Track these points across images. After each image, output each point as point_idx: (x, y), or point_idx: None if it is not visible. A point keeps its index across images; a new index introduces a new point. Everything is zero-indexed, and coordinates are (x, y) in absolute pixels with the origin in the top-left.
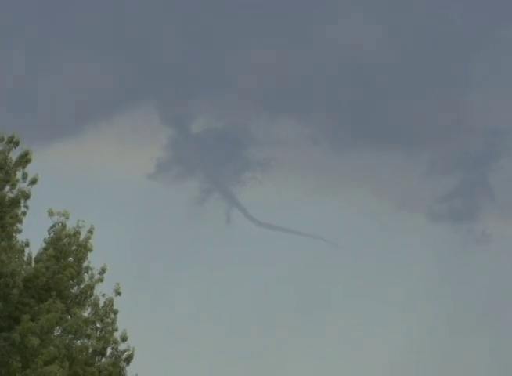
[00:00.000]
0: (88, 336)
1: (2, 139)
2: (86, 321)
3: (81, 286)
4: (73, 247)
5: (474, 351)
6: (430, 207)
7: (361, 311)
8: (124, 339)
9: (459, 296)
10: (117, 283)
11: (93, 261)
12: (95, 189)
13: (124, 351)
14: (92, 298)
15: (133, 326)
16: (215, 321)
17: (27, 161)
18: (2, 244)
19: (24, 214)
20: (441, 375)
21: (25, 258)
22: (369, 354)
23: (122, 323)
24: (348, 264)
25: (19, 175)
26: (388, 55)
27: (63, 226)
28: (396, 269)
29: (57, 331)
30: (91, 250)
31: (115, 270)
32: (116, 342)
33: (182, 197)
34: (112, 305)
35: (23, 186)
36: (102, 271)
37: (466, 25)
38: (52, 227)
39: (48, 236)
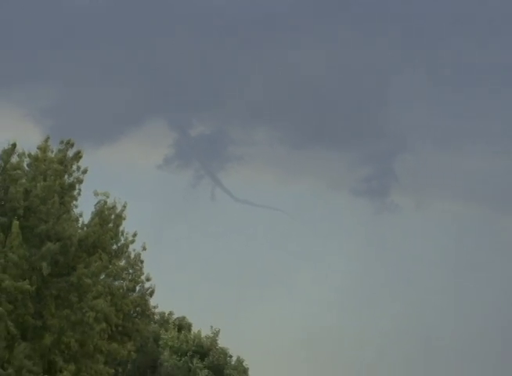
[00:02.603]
0: (123, 278)
1: (62, 142)
2: (122, 268)
3: (118, 244)
4: (112, 217)
5: (386, 296)
6: (355, 187)
7: (309, 260)
8: (148, 280)
9: (375, 249)
10: (144, 242)
11: (126, 226)
12: (124, 176)
13: (148, 288)
14: (126, 252)
15: (154, 271)
16: (209, 267)
17: (80, 157)
18: (64, 216)
19: (78, 194)
20: (361, 306)
21: (79, 225)
22: (314, 292)
23: (146, 269)
24: (299, 228)
25: (74, 167)
26: (333, 81)
27: (105, 202)
28: (332, 229)
29: (102, 275)
30: (125, 218)
31: (141, 233)
32: (142, 282)
33: (181, 182)
34: (140, 257)
35: (77, 174)
36: (134, 234)
37: (385, 58)
38: (97, 203)
39: (94, 209)
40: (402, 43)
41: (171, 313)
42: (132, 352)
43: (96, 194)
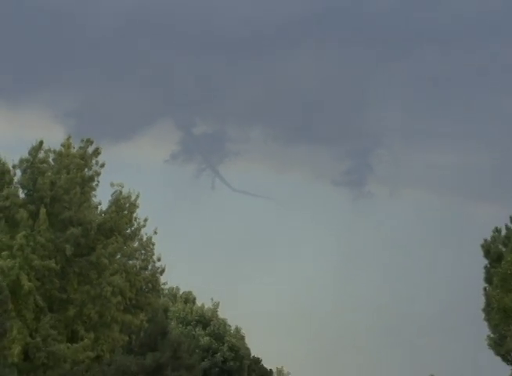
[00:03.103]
0: (137, 258)
1: (83, 140)
2: (135, 249)
3: (132, 228)
4: (127, 205)
5: (363, 270)
6: (336, 178)
7: (296, 240)
8: (158, 260)
9: (353, 231)
10: (155, 227)
11: (139, 213)
12: (137, 169)
13: (159, 267)
14: (139, 235)
15: (164, 252)
16: (210, 247)
17: (98, 153)
18: (84, 204)
19: (97, 185)
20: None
21: (98, 212)
22: (301, 268)
23: (157, 250)
24: (286, 213)
25: (93, 162)
26: (319, 88)
27: (120, 192)
28: (316, 214)
29: (118, 255)
30: (137, 206)
31: (152, 219)
32: (154, 262)
33: (185, 174)
34: (151, 239)
35: (95, 168)
36: (145, 219)
37: (364, 69)
38: (113, 193)
39: (111, 198)
40: (379, 57)
41: (178, 288)
42: (144, 322)
43: (112, 185)
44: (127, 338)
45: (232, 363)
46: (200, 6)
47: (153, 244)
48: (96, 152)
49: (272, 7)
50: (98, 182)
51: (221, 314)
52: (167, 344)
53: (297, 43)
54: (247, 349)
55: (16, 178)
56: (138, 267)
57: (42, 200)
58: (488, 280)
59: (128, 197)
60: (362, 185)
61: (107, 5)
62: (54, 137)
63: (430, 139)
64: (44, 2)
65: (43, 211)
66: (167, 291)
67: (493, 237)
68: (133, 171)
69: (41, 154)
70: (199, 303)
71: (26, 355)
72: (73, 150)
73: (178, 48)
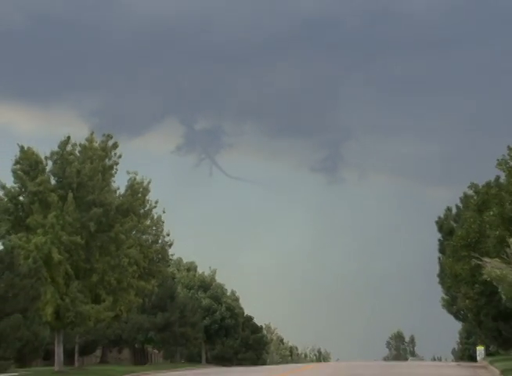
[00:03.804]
0: (149, 233)
1: (104, 135)
2: (147, 226)
3: (145, 209)
4: (140, 189)
5: (335, 240)
6: (314, 165)
7: (280, 217)
8: (167, 235)
9: (327, 209)
10: (164, 208)
11: (151, 196)
12: (148, 159)
13: (168, 241)
14: (150, 214)
15: (171, 228)
16: (209, 224)
17: (116, 146)
18: (105, 188)
19: (115, 173)
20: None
21: (116, 195)
22: (285, 240)
23: (166, 227)
24: (272, 195)
25: (112, 153)
26: (300, 90)
27: (135, 179)
28: (297, 195)
29: (133, 232)
30: (149, 190)
31: (161, 200)
32: (163, 236)
33: (187, 162)
34: (161, 218)
35: (114, 159)
36: (156, 201)
37: (338, 74)
38: (129, 179)
39: (127, 183)
40: (350, 64)
41: (182, 259)
42: (155, 287)
43: (128, 173)
44: (141, 301)
45: (228, 321)
46: (202, 22)
47: (163, 222)
48: (115, 145)
49: (260, 24)
50: (116, 170)
51: (218, 279)
52: (175, 305)
53: (281, 53)
54: (241, 309)
55: (47, 168)
56: (150, 241)
57: (70, 185)
58: (442, 250)
59: (141, 182)
60: (334, 171)
61: (125, 19)
62: (79, 133)
63: (393, 133)
64: (69, 17)
65: (70, 195)
66: (173, 261)
67: (445, 215)
68: (145, 160)
69: (69, 147)
70: (200, 271)
71: (57, 314)
72: (96, 144)
73: (182, 57)
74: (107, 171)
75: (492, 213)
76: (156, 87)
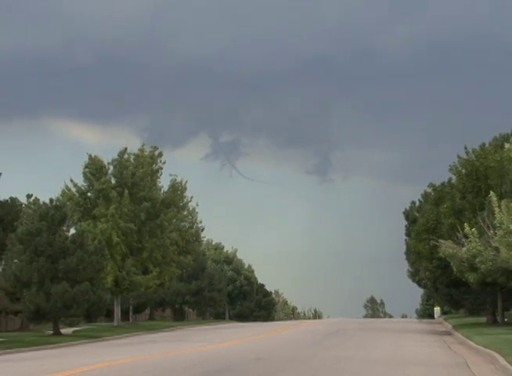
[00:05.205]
0: (186, 221)
1: (152, 147)
2: (185, 216)
3: (183, 202)
4: (179, 188)
5: (324, 230)
6: (309, 169)
7: (283, 211)
8: (200, 222)
9: (319, 205)
10: (197, 202)
11: (187, 192)
12: (185, 165)
13: (200, 227)
14: (187, 207)
15: (203, 216)
16: (232, 213)
17: (161, 155)
18: (153, 187)
19: (161, 175)
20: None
21: (161, 193)
22: (286, 228)
23: (199, 216)
24: (278, 192)
25: (158, 160)
26: (301, 112)
27: (175, 179)
28: (296, 194)
29: (174, 220)
30: (186, 188)
31: (195, 196)
32: (197, 223)
33: (213, 167)
34: (195, 209)
35: (160, 165)
36: (191, 197)
37: (330, 96)
38: (171, 180)
39: (169, 183)
40: (339, 90)
41: (211, 240)
42: (191, 261)
43: (170, 175)
44: (179, 272)
45: (246, 287)
46: (226, 59)
47: (196, 212)
48: (160, 154)
49: (270, 60)
50: (161, 173)
51: (239, 256)
52: (205, 275)
53: (286, 83)
54: (256, 278)
55: (109, 171)
56: (186, 227)
57: (126, 184)
58: (408, 234)
59: (180, 182)
60: (325, 174)
61: (169, 56)
62: (133, 145)
63: (371, 144)
64: (127, 56)
65: (126, 192)
66: (205, 242)
67: (411, 207)
68: (183, 165)
69: (125, 156)
70: (225, 249)
71: (116, 283)
72: (146, 153)
73: (211, 86)
74: (154, 174)
75: (445, 206)
76: (191, 109)
